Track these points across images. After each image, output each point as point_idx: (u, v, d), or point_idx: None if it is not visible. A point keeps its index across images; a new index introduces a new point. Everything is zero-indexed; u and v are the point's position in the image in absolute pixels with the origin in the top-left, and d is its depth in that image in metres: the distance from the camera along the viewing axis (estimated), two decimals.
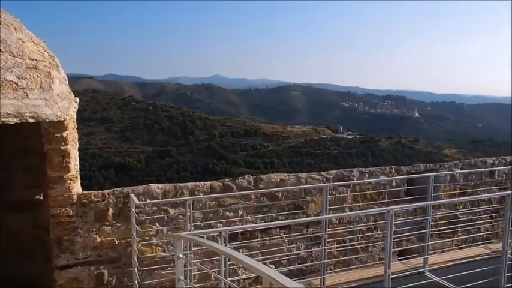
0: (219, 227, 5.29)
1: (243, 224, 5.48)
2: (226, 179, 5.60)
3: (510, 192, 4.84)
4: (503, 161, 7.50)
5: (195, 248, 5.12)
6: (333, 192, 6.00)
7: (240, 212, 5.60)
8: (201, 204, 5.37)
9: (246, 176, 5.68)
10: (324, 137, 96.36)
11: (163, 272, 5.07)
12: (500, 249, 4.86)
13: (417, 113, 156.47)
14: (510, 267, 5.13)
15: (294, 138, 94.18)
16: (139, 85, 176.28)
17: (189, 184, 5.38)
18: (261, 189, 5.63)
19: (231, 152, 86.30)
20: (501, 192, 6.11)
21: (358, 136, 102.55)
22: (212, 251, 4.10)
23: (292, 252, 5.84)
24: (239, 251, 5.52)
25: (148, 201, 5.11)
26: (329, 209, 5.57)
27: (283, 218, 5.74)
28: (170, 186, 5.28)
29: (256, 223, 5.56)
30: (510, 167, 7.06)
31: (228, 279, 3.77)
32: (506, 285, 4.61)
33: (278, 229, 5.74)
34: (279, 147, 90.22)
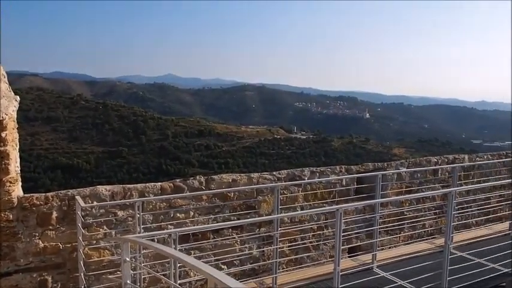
0: (170, 228, 5.19)
1: (194, 225, 5.41)
2: (177, 180, 5.51)
3: (452, 189, 5.07)
4: (446, 160, 7.85)
5: (144, 251, 5.00)
6: (285, 192, 6.05)
7: (192, 213, 5.52)
8: (151, 206, 5.25)
9: (198, 177, 5.62)
10: (278, 137, 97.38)
11: (111, 277, 4.91)
12: (443, 243, 5.07)
13: (368, 114, 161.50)
14: (452, 261, 5.38)
15: (248, 139, 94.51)
16: (88, 84, 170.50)
17: (139, 185, 5.24)
18: (213, 189, 5.58)
19: (184, 152, 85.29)
20: (444, 190, 6.39)
21: (311, 136, 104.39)
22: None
23: (245, 252, 5.83)
24: (190, 253, 5.46)
25: (95, 203, 4.93)
26: (281, 208, 5.61)
27: (235, 218, 5.72)
28: (118, 188, 5.13)
29: (208, 224, 5.50)
30: (452, 165, 7.40)
31: (179, 281, 3.69)
32: (448, 278, 4.81)
33: (230, 229, 5.71)
34: (233, 148, 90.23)
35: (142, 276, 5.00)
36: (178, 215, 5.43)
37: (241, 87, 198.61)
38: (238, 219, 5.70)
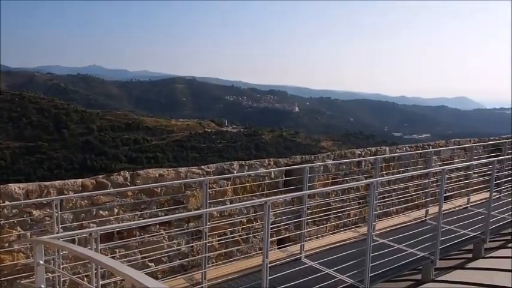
0: (92, 227, 4.91)
1: (119, 223, 5.17)
2: (100, 176, 5.22)
3: (373, 180, 5.28)
4: (369, 152, 8.21)
5: (64, 252, 4.69)
6: (214, 186, 5.98)
7: (116, 210, 5.27)
8: (71, 204, 4.94)
9: (122, 172, 5.37)
10: (209, 130, 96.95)
11: (25, 282, 4.55)
12: (366, 232, 5.28)
13: (297, 108, 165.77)
14: (374, 248, 5.63)
15: (179, 132, 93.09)
16: (3, 74, 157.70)
17: (57, 182, 4.90)
18: (139, 185, 5.37)
19: (111, 147, 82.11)
20: (367, 180, 6.66)
21: (242, 129, 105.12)
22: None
23: (173, 248, 5.69)
24: (115, 252, 5.22)
25: (7, 203, 4.53)
26: (210, 202, 5.53)
27: (163, 214, 5.56)
28: (34, 186, 4.75)
29: (134, 221, 5.29)
30: (374, 157, 7.74)
31: (102, 282, 3.50)
32: (371, 264, 5.01)
33: (157, 226, 5.54)
34: (163, 141, 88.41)
35: (62, 279, 4.69)
36: (101, 212, 5.16)
37: (171, 79, 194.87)
38: (166, 214, 5.54)
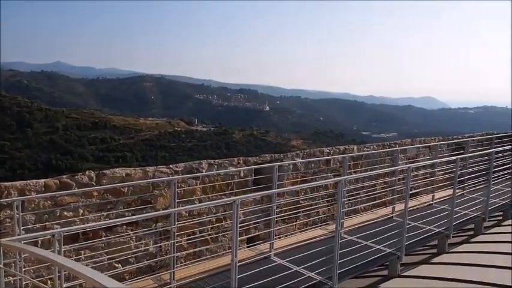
0: (56, 228, 4.76)
1: (84, 224, 5.04)
2: (64, 176, 5.07)
3: (341, 178, 5.35)
4: (338, 151, 8.31)
5: (26, 255, 4.52)
6: (182, 185, 5.91)
7: (81, 211, 5.13)
8: (33, 205, 4.77)
9: (87, 172, 5.23)
10: (179, 129, 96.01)
11: None
12: (335, 229, 5.34)
13: (267, 107, 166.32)
14: (342, 245, 5.70)
15: (148, 131, 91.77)
16: None
17: (18, 183, 4.72)
18: (105, 185, 5.24)
19: (77, 146, 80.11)
20: (335, 178, 6.74)
21: (212, 128, 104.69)
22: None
23: (141, 249, 5.60)
24: (80, 253, 5.09)
25: None
26: (178, 202, 5.46)
27: (130, 214, 5.45)
28: None
29: (100, 221, 5.16)
30: (343, 155, 7.84)
31: (65, 285, 3.39)
32: (339, 261, 5.08)
33: (124, 226, 5.43)
34: (132, 141, 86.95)
35: (24, 283, 4.53)
36: (65, 213, 5.01)
37: (139, 77, 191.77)
38: (133, 215, 5.44)
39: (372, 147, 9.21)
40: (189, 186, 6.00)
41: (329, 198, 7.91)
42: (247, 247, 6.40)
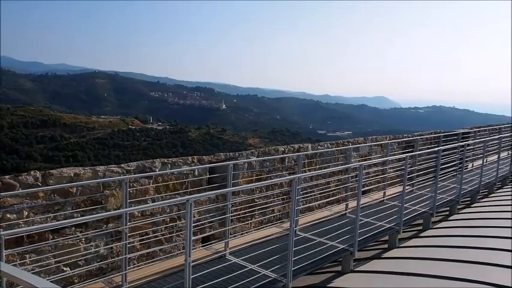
0: None
1: (29, 226, 4.78)
2: (6, 176, 4.79)
3: (295, 176, 5.39)
4: (292, 149, 8.38)
5: None
6: (135, 185, 5.75)
7: (26, 213, 4.87)
8: None
9: (33, 172, 4.97)
10: (133, 128, 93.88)
11: None
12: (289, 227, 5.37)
13: (224, 105, 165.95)
14: (297, 242, 5.75)
15: (100, 129, 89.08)
16: None
17: None
18: (52, 185, 5.00)
19: (24, 145, 76.51)
20: (289, 176, 6.79)
21: (168, 127, 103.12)
22: None
23: (91, 251, 5.39)
24: (25, 257, 4.84)
25: None
26: (130, 202, 5.31)
27: (79, 215, 5.23)
28: None
29: (46, 223, 4.92)
30: (297, 153, 7.91)
31: None
32: (293, 258, 5.11)
33: (73, 228, 5.21)
34: (83, 139, 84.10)
35: None
36: (8, 215, 4.74)
37: (91, 74, 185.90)
38: (83, 215, 5.22)
39: (325, 145, 9.36)
40: (141, 186, 5.85)
41: (284, 196, 7.97)
42: (202, 247, 6.32)
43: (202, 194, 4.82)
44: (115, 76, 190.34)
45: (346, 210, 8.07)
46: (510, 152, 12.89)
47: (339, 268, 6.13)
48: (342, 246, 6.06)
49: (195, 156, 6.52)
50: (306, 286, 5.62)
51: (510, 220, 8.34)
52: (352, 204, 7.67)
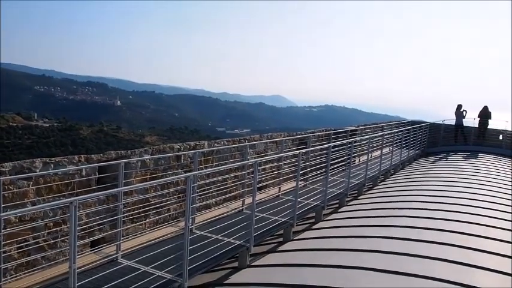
0: None
1: None
2: None
3: (190, 173, 5.29)
4: (188, 146, 8.24)
5: None
6: (11, 187, 5.17)
7: None
8: None
9: None
10: (14, 125, 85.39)
11: None
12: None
13: (119, 101, 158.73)
14: (194, 241, 5.66)
15: None
16: None
17: None
18: None
19: None
20: (184, 174, 6.64)
21: (56, 124, 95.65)
22: None
23: None
24: None
25: None
26: (5, 206, 4.77)
27: None
28: None
29: None
30: (193, 151, 7.79)
31: None
32: (189, 257, 5.01)
33: None
34: None
35: None
36: None
37: None
38: None
39: (222, 142, 9.37)
40: (19, 188, 5.28)
41: (180, 195, 7.80)
42: (92, 251, 5.92)
43: (89, 195, 4.48)
44: None
45: (242, 206, 8.16)
46: (391, 148, 14.13)
47: (236, 264, 6.16)
48: (238, 242, 6.10)
49: (82, 155, 6.07)
50: (203, 284, 5.56)
51: (391, 210, 9.15)
52: (249, 200, 7.77)
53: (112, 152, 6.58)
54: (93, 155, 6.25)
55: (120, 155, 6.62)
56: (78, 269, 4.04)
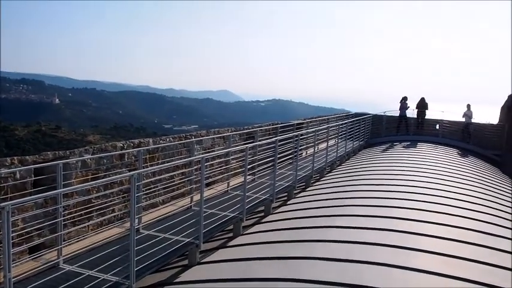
0: None
1: None
2: None
3: (134, 172, 5.11)
4: (132, 144, 7.98)
5: None
6: None
7: None
8: None
9: None
10: None
11: None
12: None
13: (57, 99, 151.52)
14: (141, 241, 5.50)
15: None
16: None
17: None
18: None
19: None
20: (128, 173, 6.43)
21: None
22: None
23: None
24: None
25: None
26: None
27: None
28: None
29: None
30: (137, 149, 7.56)
31: None
32: (136, 258, 4.86)
33: None
34: None
35: None
36: None
37: None
38: None
39: (168, 139, 9.17)
40: None
41: (125, 194, 7.55)
42: (30, 257, 5.59)
43: (23, 199, 4.20)
44: None
45: (191, 203, 8.04)
46: (337, 140, 14.47)
47: (186, 262, 6.07)
48: (187, 240, 6.00)
49: (15, 157, 5.70)
50: (152, 285, 5.42)
51: (338, 199, 9.37)
52: (197, 197, 7.67)
53: (49, 152, 6.23)
54: (27, 157, 5.89)
55: (58, 155, 6.28)
56: (14, 277, 3.79)
